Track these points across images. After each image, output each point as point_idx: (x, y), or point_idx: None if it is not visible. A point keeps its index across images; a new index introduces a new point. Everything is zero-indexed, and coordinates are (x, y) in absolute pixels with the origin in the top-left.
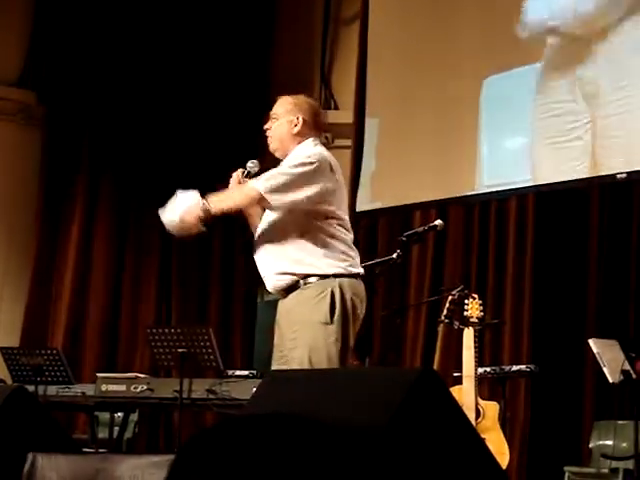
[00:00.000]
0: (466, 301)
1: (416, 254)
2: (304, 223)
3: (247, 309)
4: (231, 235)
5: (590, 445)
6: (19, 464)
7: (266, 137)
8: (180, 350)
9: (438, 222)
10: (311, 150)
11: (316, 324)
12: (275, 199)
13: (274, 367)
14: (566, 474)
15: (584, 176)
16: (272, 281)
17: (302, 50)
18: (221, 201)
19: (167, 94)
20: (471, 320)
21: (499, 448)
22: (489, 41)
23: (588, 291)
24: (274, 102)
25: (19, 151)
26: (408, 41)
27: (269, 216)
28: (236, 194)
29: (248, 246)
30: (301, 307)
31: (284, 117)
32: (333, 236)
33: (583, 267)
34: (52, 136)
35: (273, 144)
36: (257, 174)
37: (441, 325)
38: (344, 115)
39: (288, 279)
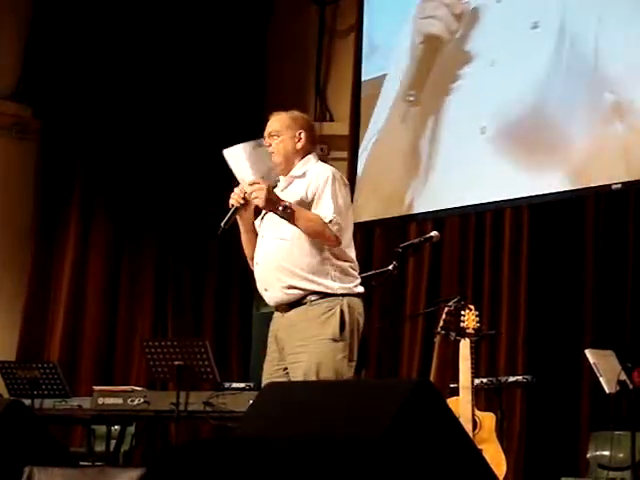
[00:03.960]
0: (462, 312)
1: (412, 265)
2: (319, 242)
3: (243, 321)
4: (227, 248)
5: (587, 456)
6: (16, 478)
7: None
8: (177, 363)
9: (434, 233)
10: (331, 168)
11: (325, 340)
12: (336, 231)
13: (266, 380)
14: None
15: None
16: (277, 295)
17: (297, 62)
18: (300, 212)
19: (163, 110)
20: (467, 331)
21: (496, 459)
22: None
23: (584, 301)
24: (269, 115)
25: (14, 165)
26: None
27: (281, 231)
28: (307, 219)
29: (244, 259)
30: (308, 323)
31: (285, 133)
32: (344, 255)
33: (579, 277)
34: (47, 150)
35: (275, 160)
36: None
37: (437, 336)
38: (339, 127)
39: (297, 294)
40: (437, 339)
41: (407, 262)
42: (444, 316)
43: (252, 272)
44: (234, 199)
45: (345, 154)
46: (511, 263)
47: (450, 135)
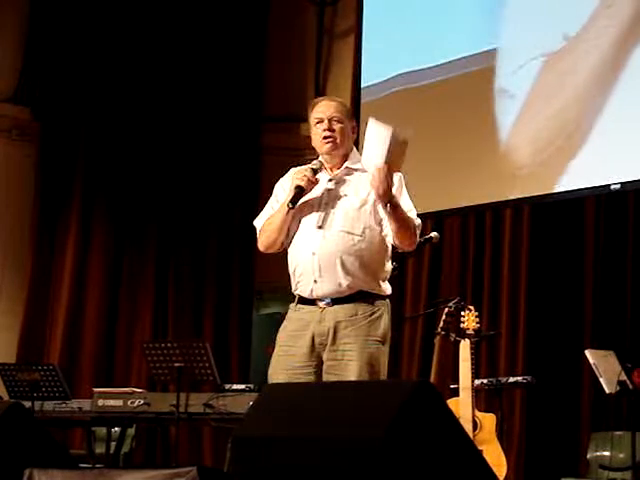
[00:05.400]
0: (462, 313)
1: (412, 266)
2: (381, 242)
3: (243, 323)
4: (227, 250)
5: (587, 456)
6: None
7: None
8: (177, 364)
9: (433, 234)
10: None
11: (375, 342)
12: (418, 234)
13: (284, 375)
14: None
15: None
16: (329, 288)
17: (296, 63)
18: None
19: (162, 112)
20: (467, 332)
21: (497, 460)
22: None
23: (584, 302)
24: (267, 115)
25: (13, 167)
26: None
27: (353, 226)
28: (406, 216)
29: (244, 261)
30: (357, 322)
31: (346, 122)
32: (389, 256)
33: (579, 278)
34: (47, 152)
35: (337, 144)
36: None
37: (437, 337)
38: None
39: (348, 292)
40: (437, 340)
41: (407, 263)
42: (444, 317)
43: (254, 270)
44: (304, 181)
45: None
46: (511, 263)
47: None
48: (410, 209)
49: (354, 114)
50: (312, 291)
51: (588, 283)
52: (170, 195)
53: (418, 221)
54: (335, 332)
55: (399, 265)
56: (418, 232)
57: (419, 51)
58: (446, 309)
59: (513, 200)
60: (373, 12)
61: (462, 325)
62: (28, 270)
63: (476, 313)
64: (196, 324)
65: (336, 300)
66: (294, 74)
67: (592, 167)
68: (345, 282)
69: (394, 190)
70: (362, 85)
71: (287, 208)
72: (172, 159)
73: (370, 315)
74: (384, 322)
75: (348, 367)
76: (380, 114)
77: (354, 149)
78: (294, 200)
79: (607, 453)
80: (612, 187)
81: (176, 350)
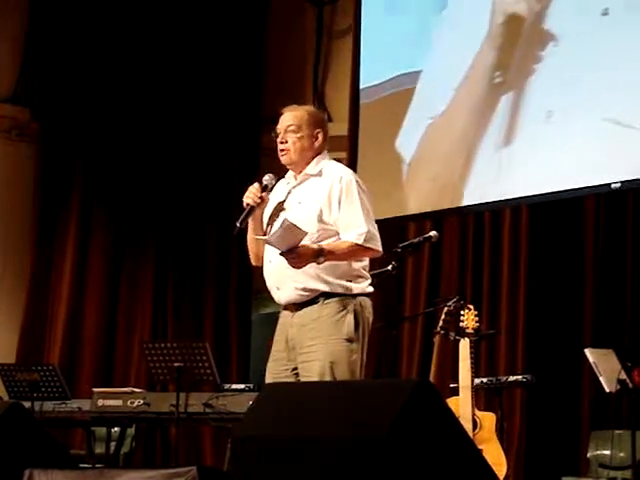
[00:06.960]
0: (462, 312)
1: (411, 266)
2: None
3: (242, 323)
4: (226, 250)
5: (588, 455)
6: None
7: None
8: (176, 364)
9: (433, 233)
10: (350, 170)
11: (339, 340)
12: (373, 244)
13: (271, 380)
14: None
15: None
16: (290, 294)
17: (295, 62)
18: (333, 254)
19: (161, 112)
20: (467, 331)
21: (497, 459)
22: None
23: (584, 300)
24: (267, 115)
25: (13, 167)
26: None
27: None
28: (343, 252)
29: (243, 261)
30: (321, 322)
31: (304, 130)
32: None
33: (578, 276)
34: (46, 152)
35: (291, 157)
36: (273, 187)
37: (437, 336)
38: (338, 127)
39: (310, 295)
40: (436, 339)
41: (406, 262)
42: (443, 316)
43: (252, 270)
44: (250, 198)
45: (342, 154)
46: (510, 262)
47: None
48: (357, 222)
49: (353, 114)
50: (278, 298)
51: (588, 282)
52: (169, 195)
53: (361, 230)
54: (301, 335)
55: (398, 265)
56: (369, 242)
57: (418, 52)
58: (445, 308)
59: (511, 199)
60: (372, 11)
61: (461, 324)
62: (28, 270)
63: (475, 312)
64: (196, 324)
65: (302, 304)
66: (293, 73)
67: None
68: (301, 286)
69: (338, 192)
70: (361, 86)
71: (237, 228)
72: (171, 159)
73: (335, 314)
74: (351, 320)
75: (312, 368)
76: (379, 114)
77: (322, 154)
78: (243, 219)
79: (607, 452)
80: (612, 186)
81: (176, 350)
